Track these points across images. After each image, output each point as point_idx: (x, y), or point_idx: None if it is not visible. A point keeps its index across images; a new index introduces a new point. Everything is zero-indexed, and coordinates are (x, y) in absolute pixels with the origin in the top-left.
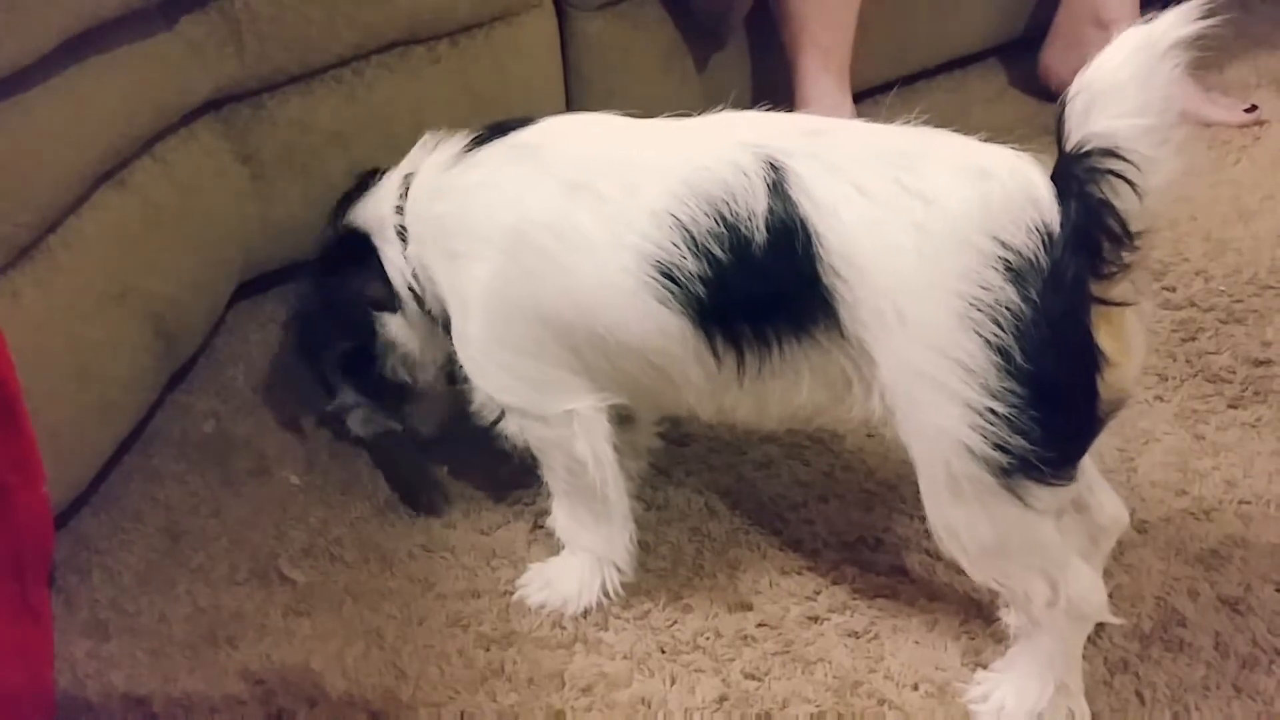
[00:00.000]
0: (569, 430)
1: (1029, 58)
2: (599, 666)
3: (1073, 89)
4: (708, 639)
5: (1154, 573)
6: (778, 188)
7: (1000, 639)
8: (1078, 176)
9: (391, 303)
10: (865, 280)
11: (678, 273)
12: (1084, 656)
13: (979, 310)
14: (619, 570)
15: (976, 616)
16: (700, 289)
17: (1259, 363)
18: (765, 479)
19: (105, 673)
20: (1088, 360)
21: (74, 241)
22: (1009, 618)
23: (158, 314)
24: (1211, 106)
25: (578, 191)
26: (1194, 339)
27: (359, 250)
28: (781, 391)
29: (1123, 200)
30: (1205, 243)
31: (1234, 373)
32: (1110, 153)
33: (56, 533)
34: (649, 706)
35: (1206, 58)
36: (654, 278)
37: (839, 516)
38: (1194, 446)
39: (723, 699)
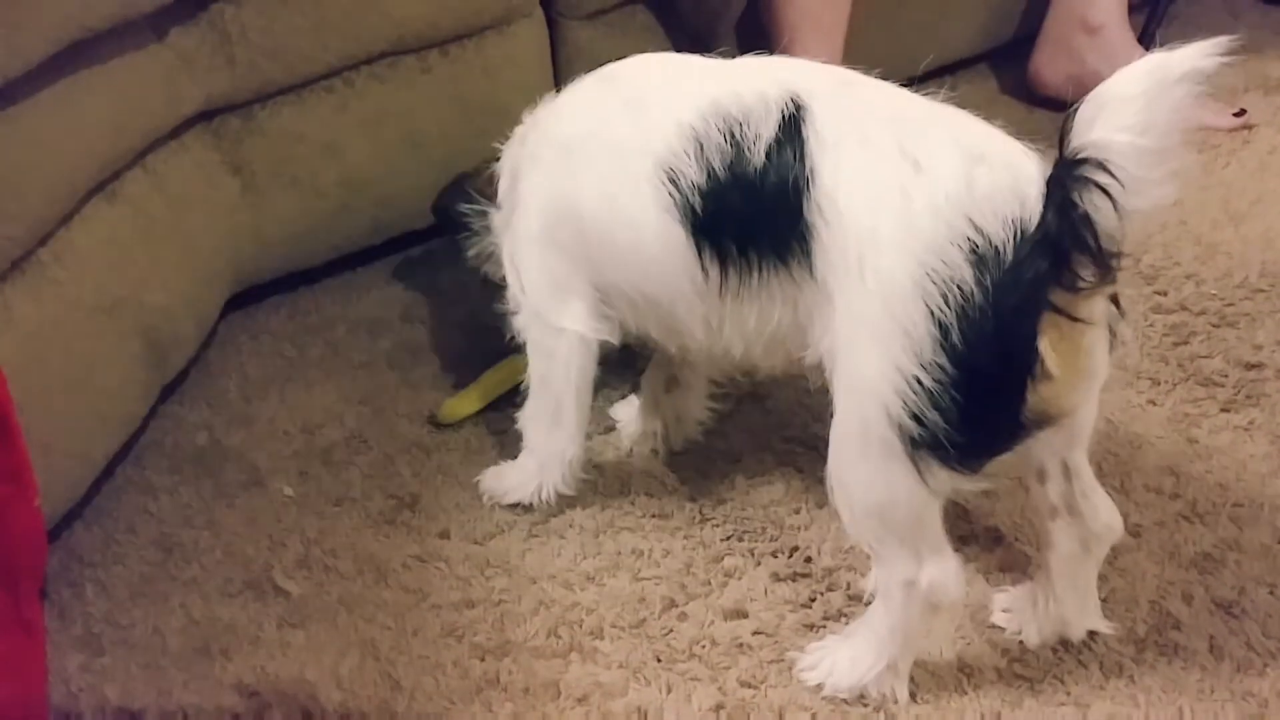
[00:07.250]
0: (559, 344)
1: (1019, 63)
2: (594, 676)
3: (1086, 99)
4: (703, 647)
5: (1148, 577)
6: (792, 120)
7: (993, 641)
8: (1064, 183)
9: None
10: (841, 223)
11: (681, 180)
12: (1080, 661)
13: (932, 282)
14: (558, 483)
15: (966, 620)
16: (697, 199)
17: (1250, 366)
18: (759, 486)
19: (99, 686)
20: (1023, 362)
21: (65, 254)
22: (867, 583)
23: (149, 326)
24: (1200, 111)
25: (630, 106)
26: (1186, 343)
27: None
28: (757, 316)
29: (1102, 216)
30: (1196, 246)
31: (1226, 376)
32: (1100, 165)
33: (49, 546)
34: (645, 716)
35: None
36: (663, 182)
37: (833, 523)
38: (1187, 450)
39: (719, 707)
